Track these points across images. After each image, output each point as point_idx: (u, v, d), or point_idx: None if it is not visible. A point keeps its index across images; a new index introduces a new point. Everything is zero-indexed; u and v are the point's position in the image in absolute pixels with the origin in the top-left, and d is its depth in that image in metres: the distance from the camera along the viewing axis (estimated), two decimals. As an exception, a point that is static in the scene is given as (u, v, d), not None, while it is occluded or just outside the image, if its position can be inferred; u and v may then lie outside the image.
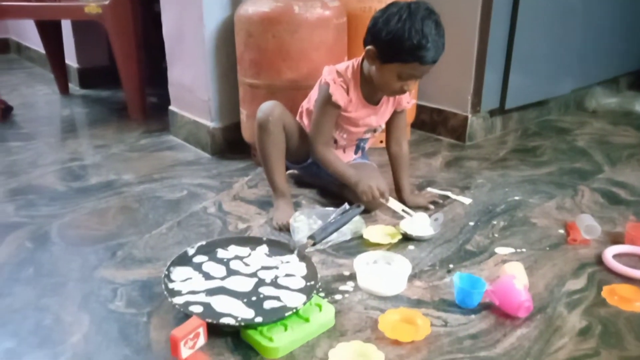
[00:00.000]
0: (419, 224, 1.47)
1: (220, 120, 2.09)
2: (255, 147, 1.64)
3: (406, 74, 1.38)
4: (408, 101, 1.60)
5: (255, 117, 1.53)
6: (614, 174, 1.93)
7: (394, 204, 1.52)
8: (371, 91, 1.51)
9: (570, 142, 2.30)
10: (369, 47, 1.39)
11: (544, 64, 2.42)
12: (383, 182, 1.54)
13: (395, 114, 1.61)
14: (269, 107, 1.51)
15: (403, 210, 1.51)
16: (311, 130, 1.55)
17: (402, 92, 1.45)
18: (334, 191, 1.64)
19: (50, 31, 2.99)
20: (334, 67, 1.51)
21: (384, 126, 1.63)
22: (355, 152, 1.69)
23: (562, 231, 1.50)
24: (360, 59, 1.50)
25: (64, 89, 3.12)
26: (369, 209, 1.55)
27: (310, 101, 1.59)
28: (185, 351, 0.94)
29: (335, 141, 1.60)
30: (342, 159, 1.60)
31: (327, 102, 1.48)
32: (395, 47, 1.33)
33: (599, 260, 1.34)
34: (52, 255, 1.38)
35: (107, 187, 1.80)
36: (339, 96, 1.46)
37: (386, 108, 1.57)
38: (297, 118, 1.64)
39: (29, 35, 3.81)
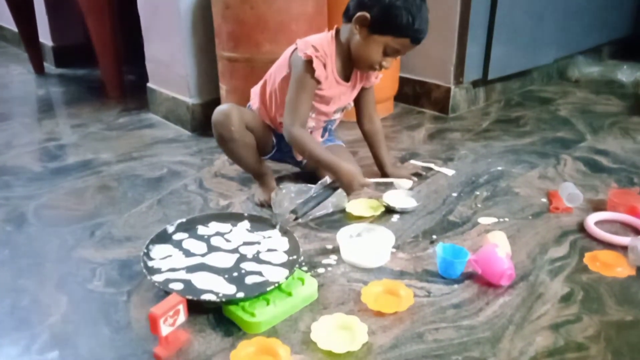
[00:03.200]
0: (401, 195, 1.47)
1: (200, 96, 2.05)
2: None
3: (392, 49, 1.34)
4: (376, 76, 1.54)
5: (213, 128, 1.45)
6: (596, 143, 1.93)
7: (375, 180, 1.48)
8: (344, 67, 1.43)
9: (552, 112, 2.30)
10: (362, 13, 1.31)
11: (526, 34, 2.40)
12: (359, 171, 1.43)
13: (363, 91, 1.55)
14: (226, 117, 1.42)
15: (385, 181, 1.52)
16: (287, 110, 1.40)
17: (380, 68, 1.38)
18: (303, 172, 1.61)
19: (22, 8, 2.90)
20: (308, 41, 1.39)
21: (352, 104, 1.57)
22: (322, 135, 1.62)
23: (544, 200, 1.50)
24: (333, 31, 1.42)
25: (39, 68, 3.04)
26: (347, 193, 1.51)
27: (274, 81, 1.46)
28: (165, 329, 0.92)
29: None
30: None
31: (309, 77, 1.37)
32: (391, 19, 1.29)
33: (581, 228, 1.35)
34: (28, 236, 1.35)
35: (84, 166, 1.76)
36: (320, 71, 1.37)
37: (356, 85, 1.51)
38: (258, 103, 1.53)
39: (1, 13, 3.69)
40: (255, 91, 1.54)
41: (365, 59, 1.37)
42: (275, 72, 1.47)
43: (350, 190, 1.39)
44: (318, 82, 1.39)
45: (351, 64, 1.43)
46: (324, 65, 1.38)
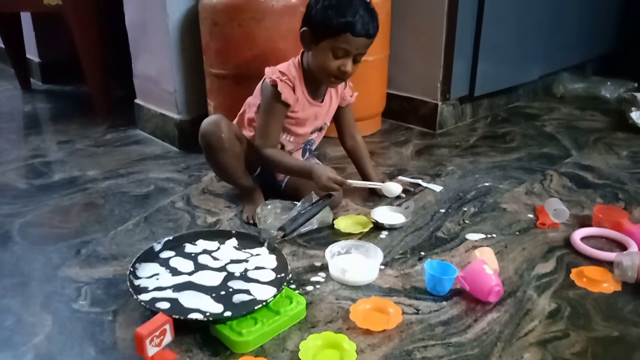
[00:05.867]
0: (390, 211, 1.48)
1: (188, 113, 2.05)
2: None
3: (340, 50, 1.35)
4: (351, 94, 1.58)
5: (202, 139, 1.45)
6: (582, 158, 1.95)
7: (358, 183, 1.51)
8: (315, 87, 1.48)
9: (538, 128, 2.32)
10: (301, 30, 1.38)
11: (512, 51, 2.44)
12: (333, 171, 1.41)
13: (341, 110, 1.59)
14: (215, 125, 1.42)
15: (371, 186, 1.56)
16: (258, 135, 1.45)
17: (341, 73, 1.37)
18: (289, 195, 1.57)
19: (8, 24, 2.88)
20: (275, 68, 1.44)
21: (329, 123, 1.59)
22: (303, 155, 1.63)
23: (531, 216, 1.51)
24: (299, 56, 1.47)
25: (26, 84, 3.02)
26: (333, 205, 1.50)
27: (250, 109, 1.51)
28: (151, 349, 0.91)
29: (282, 146, 1.52)
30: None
31: (275, 101, 1.41)
32: (325, 22, 1.33)
33: (568, 243, 1.36)
34: (13, 254, 1.33)
35: (70, 183, 1.75)
36: (287, 94, 1.40)
37: (330, 104, 1.54)
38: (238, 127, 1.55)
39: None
40: (236, 120, 1.56)
41: (320, 69, 1.40)
42: (252, 101, 1.51)
43: (320, 184, 1.38)
44: (287, 105, 1.42)
45: (320, 83, 1.47)
46: (293, 89, 1.43)
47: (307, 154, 1.64)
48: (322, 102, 1.51)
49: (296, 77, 1.44)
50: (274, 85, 1.40)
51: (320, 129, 1.58)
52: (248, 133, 1.52)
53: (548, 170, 1.84)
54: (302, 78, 1.45)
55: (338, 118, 1.61)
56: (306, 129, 1.52)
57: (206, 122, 1.45)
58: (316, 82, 1.46)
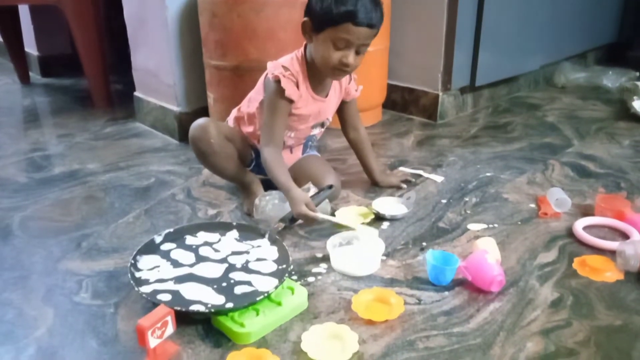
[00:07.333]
0: (391, 202, 1.47)
1: (187, 105, 2.04)
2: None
3: (342, 41, 1.29)
4: (356, 89, 1.54)
5: (192, 144, 1.45)
6: (583, 148, 1.95)
7: (330, 218, 1.35)
8: (319, 81, 1.43)
9: (540, 118, 2.32)
10: (303, 20, 1.33)
11: (513, 41, 2.42)
12: (311, 203, 1.31)
13: (345, 104, 1.55)
14: (203, 130, 1.42)
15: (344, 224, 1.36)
16: (262, 133, 1.42)
17: (343, 65, 1.31)
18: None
19: (6, 18, 2.88)
20: (278, 62, 1.39)
21: (331, 119, 1.55)
22: (303, 152, 1.61)
23: (533, 205, 1.50)
24: (302, 49, 1.41)
25: (25, 78, 3.02)
26: (333, 197, 1.49)
27: (251, 104, 1.48)
28: (153, 341, 0.91)
29: (283, 142, 1.47)
30: (289, 160, 1.54)
31: (279, 98, 1.37)
32: (325, 11, 1.28)
33: (570, 233, 1.35)
34: (14, 248, 1.33)
35: (71, 177, 1.74)
36: (291, 90, 1.36)
37: (334, 99, 1.50)
38: (233, 123, 1.53)
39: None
40: (233, 111, 1.54)
41: (321, 61, 1.34)
42: (254, 96, 1.48)
43: (294, 209, 1.30)
44: (290, 101, 1.38)
45: (324, 77, 1.42)
46: (297, 84, 1.38)
47: (308, 149, 1.62)
48: (326, 97, 1.47)
49: (299, 71, 1.39)
50: (277, 81, 1.36)
51: (322, 125, 1.55)
52: (246, 129, 1.50)
53: (550, 160, 1.83)
54: (306, 72, 1.40)
55: (341, 111, 1.57)
56: (308, 124, 1.49)
57: (194, 127, 1.44)
58: (320, 76, 1.41)
